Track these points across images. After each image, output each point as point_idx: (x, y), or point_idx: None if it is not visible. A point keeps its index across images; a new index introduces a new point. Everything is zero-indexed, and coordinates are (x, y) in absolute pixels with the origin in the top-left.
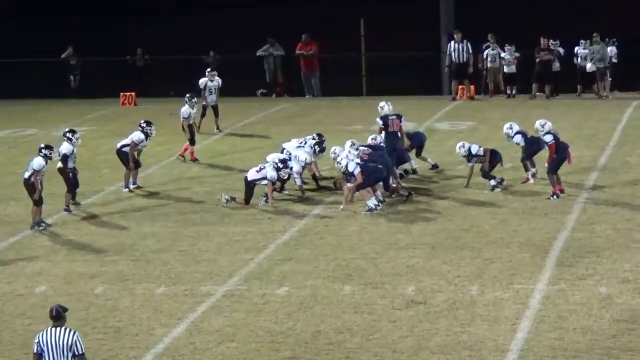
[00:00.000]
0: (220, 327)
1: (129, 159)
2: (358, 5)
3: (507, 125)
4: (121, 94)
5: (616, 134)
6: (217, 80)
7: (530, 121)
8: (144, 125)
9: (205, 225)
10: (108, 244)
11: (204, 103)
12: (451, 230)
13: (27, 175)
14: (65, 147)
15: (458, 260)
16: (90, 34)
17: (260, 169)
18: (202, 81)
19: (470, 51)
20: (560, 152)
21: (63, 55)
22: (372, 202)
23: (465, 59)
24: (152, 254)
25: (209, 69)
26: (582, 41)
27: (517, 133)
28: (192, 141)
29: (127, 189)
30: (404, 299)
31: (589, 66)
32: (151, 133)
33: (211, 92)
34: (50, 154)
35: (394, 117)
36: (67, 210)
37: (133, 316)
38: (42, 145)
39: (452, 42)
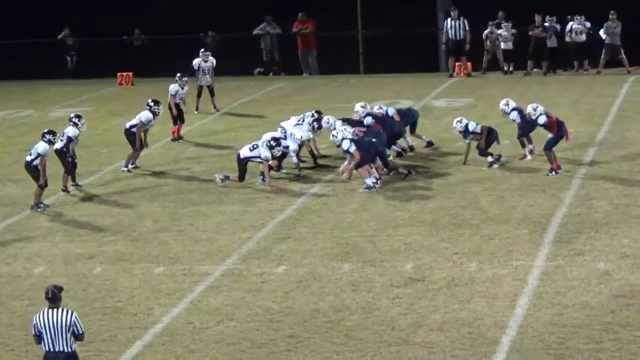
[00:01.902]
0: (219, 306)
1: (136, 139)
2: None
3: (503, 101)
4: (118, 74)
5: (613, 110)
6: (211, 61)
7: (528, 97)
8: (152, 104)
9: (203, 205)
10: (106, 224)
11: (200, 84)
12: (449, 207)
13: (29, 159)
14: (71, 131)
15: (456, 238)
16: (87, 14)
17: (254, 148)
18: (195, 62)
19: (467, 28)
20: (557, 130)
21: (60, 36)
22: (370, 180)
23: (462, 36)
24: (150, 234)
25: (202, 50)
26: (577, 17)
27: (513, 109)
28: (176, 120)
29: (125, 169)
30: (402, 277)
31: (607, 39)
32: (159, 112)
33: (205, 72)
34: (54, 139)
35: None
36: (65, 190)
37: (132, 296)
38: (46, 131)
39: (449, 20)
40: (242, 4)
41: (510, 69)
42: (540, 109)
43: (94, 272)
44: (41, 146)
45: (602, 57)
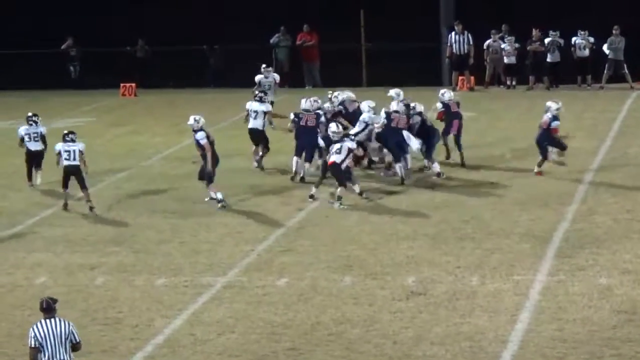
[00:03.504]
0: (220, 318)
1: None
2: None
3: (558, 105)
4: (121, 85)
5: (616, 125)
6: (273, 77)
7: (533, 113)
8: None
9: (205, 217)
10: (108, 235)
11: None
12: (451, 221)
13: (73, 163)
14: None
15: (458, 251)
16: (90, 25)
17: (338, 150)
18: (257, 78)
19: (471, 42)
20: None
21: (63, 47)
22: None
23: (465, 51)
24: (152, 245)
25: (264, 65)
26: (580, 32)
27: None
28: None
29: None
30: (404, 290)
31: (611, 54)
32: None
33: (266, 88)
34: (75, 137)
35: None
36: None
37: (133, 307)
38: (65, 132)
39: (453, 34)
40: (246, 17)
41: (513, 83)
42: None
43: (95, 282)
44: (79, 145)
45: (605, 72)
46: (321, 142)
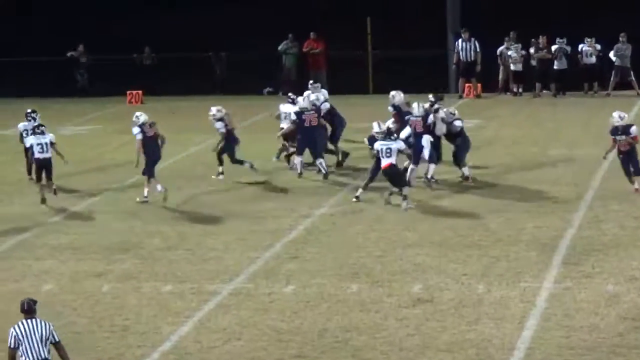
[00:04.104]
0: (227, 325)
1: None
2: (365, 3)
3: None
4: (128, 92)
5: None
6: (323, 93)
7: (538, 119)
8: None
9: (212, 224)
10: (114, 242)
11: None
12: (458, 228)
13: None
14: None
15: (465, 259)
16: (96, 32)
17: (389, 153)
18: (305, 94)
19: (478, 50)
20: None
21: (73, 54)
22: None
23: (472, 58)
24: (158, 252)
25: (311, 82)
26: (587, 39)
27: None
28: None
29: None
30: (410, 297)
31: (617, 61)
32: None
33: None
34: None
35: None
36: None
37: (140, 314)
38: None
39: (460, 41)
40: (252, 24)
41: (520, 90)
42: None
43: (102, 290)
44: (49, 136)
45: (611, 79)
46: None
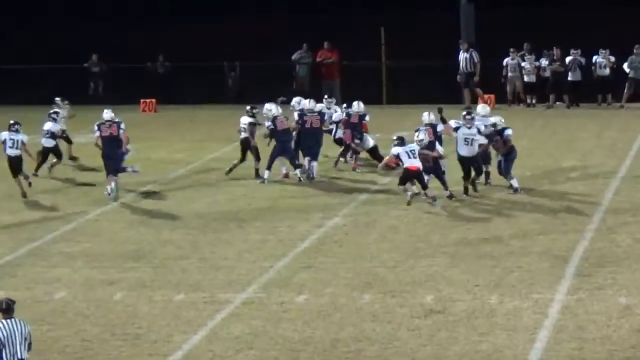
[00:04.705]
0: (239, 334)
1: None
2: (379, 14)
3: None
4: (141, 100)
5: (636, 144)
6: (334, 109)
7: (550, 130)
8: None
9: (224, 233)
10: (127, 250)
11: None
12: (470, 239)
13: (17, 152)
14: (51, 126)
15: (477, 270)
16: (110, 41)
17: (412, 154)
18: (318, 106)
19: (476, 60)
20: None
21: (86, 64)
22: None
23: (471, 69)
24: (171, 261)
25: (326, 96)
26: (601, 50)
27: None
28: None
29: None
30: (423, 308)
31: (631, 73)
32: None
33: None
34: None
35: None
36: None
37: (152, 323)
38: (11, 122)
39: (461, 52)
40: (266, 34)
41: (533, 101)
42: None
43: (114, 298)
44: (21, 136)
45: (625, 91)
46: (394, 151)
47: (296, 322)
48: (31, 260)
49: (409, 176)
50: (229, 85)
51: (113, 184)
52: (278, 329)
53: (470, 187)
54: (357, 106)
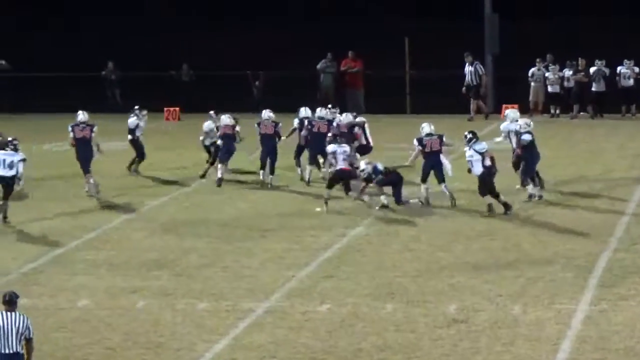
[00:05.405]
0: (261, 343)
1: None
2: (403, 23)
3: None
4: (165, 109)
5: None
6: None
7: (574, 141)
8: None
9: (248, 241)
10: (150, 258)
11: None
12: (493, 249)
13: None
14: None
15: (500, 280)
16: (134, 48)
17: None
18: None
19: (481, 73)
20: None
21: (103, 72)
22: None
23: (477, 81)
24: (194, 269)
25: (329, 106)
26: (626, 61)
27: None
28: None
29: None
30: (445, 318)
31: None
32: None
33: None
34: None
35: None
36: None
37: (175, 331)
38: (10, 139)
39: (466, 65)
40: (290, 43)
41: (557, 112)
42: None
43: (137, 306)
44: (17, 156)
45: None
46: (329, 149)
47: (319, 331)
48: (54, 268)
49: (338, 178)
50: (254, 93)
51: (92, 180)
52: (300, 338)
53: (496, 201)
54: (345, 117)
